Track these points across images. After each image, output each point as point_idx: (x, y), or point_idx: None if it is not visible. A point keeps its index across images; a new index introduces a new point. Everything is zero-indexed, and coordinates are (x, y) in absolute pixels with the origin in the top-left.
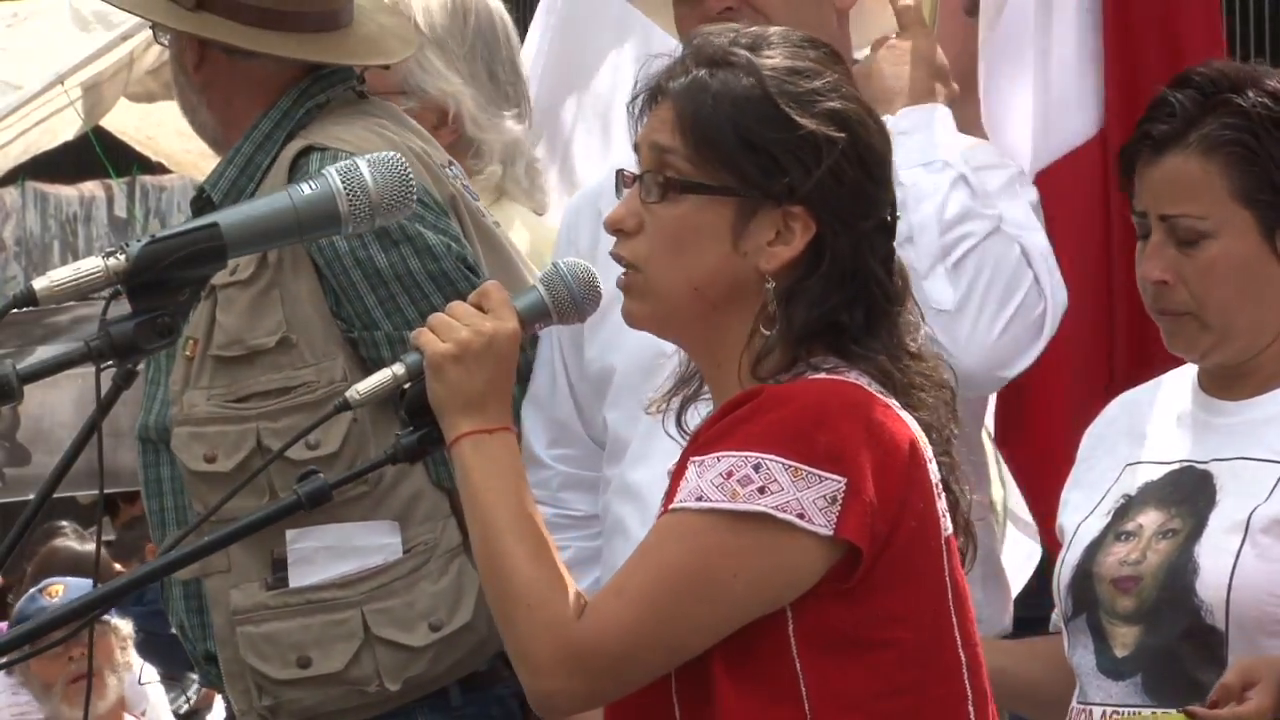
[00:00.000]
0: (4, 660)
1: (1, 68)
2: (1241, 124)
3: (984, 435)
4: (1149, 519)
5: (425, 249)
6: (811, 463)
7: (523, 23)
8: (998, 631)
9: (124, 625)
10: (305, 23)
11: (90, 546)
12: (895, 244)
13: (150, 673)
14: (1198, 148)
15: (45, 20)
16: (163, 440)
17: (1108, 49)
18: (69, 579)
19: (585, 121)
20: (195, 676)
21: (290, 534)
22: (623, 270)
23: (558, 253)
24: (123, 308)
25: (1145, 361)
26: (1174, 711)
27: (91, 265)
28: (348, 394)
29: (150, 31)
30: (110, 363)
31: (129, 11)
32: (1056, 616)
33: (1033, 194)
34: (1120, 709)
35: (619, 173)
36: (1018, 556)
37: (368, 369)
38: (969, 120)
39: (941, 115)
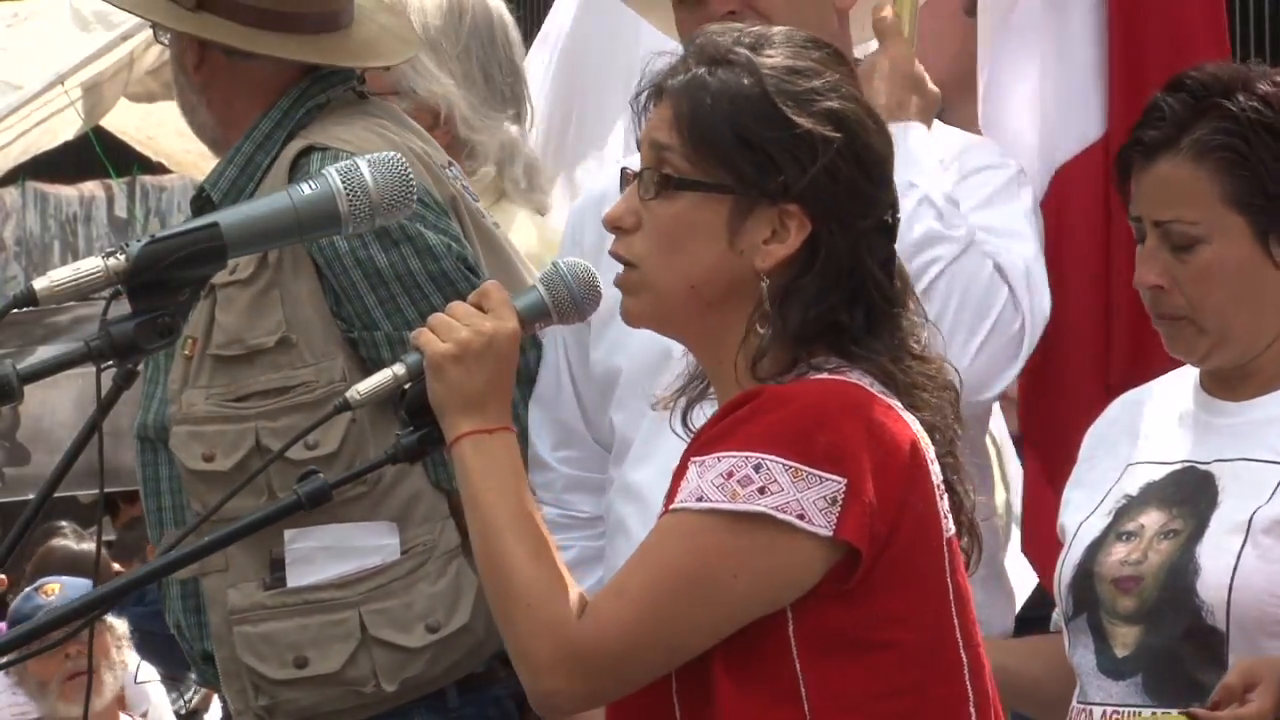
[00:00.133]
0: (3, 660)
1: (1, 68)
2: (1232, 129)
3: (987, 439)
4: (1150, 519)
5: (425, 249)
6: (812, 463)
7: (525, 22)
8: (998, 635)
9: (119, 624)
10: (305, 24)
11: (88, 546)
12: None
13: (148, 671)
14: (1189, 153)
15: (45, 20)
16: (161, 439)
17: (1113, 52)
18: (65, 578)
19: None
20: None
21: (288, 534)
22: (621, 268)
23: (563, 254)
24: (123, 308)
25: (1145, 363)
26: (1175, 712)
27: (91, 265)
28: (348, 394)
29: (150, 32)
30: (110, 363)
31: (129, 12)
32: (1057, 616)
33: (1029, 196)
34: (1120, 709)
35: (623, 171)
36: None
37: (367, 369)
38: (968, 120)
39: (915, 133)
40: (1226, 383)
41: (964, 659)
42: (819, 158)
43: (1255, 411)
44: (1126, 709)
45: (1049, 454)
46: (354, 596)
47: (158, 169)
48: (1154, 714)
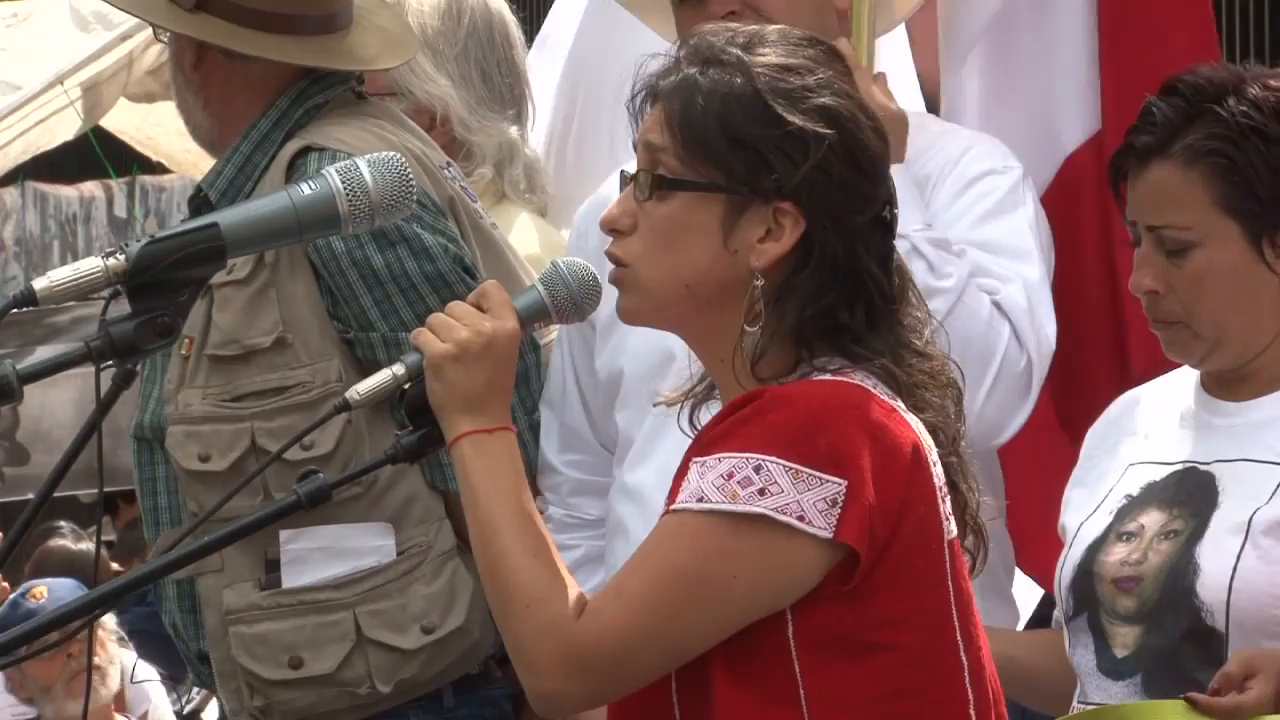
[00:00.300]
0: (3, 662)
1: (1, 68)
2: (1223, 134)
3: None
4: (1151, 519)
5: (422, 250)
6: (812, 465)
7: (527, 23)
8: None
9: (108, 620)
10: (303, 25)
11: (86, 546)
12: None
13: (146, 670)
14: (1180, 158)
15: (45, 20)
16: (157, 439)
17: (1103, 51)
18: (53, 581)
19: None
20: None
21: (284, 535)
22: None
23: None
24: (123, 308)
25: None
26: (1173, 700)
27: (91, 265)
28: (348, 394)
29: (150, 32)
30: (110, 363)
31: (128, 12)
32: (1058, 615)
33: (1033, 203)
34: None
35: (621, 173)
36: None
37: (364, 370)
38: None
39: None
40: (1226, 384)
41: (964, 661)
42: (811, 155)
43: (1256, 412)
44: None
45: (1062, 448)
46: (349, 598)
47: (157, 169)
48: (1155, 703)
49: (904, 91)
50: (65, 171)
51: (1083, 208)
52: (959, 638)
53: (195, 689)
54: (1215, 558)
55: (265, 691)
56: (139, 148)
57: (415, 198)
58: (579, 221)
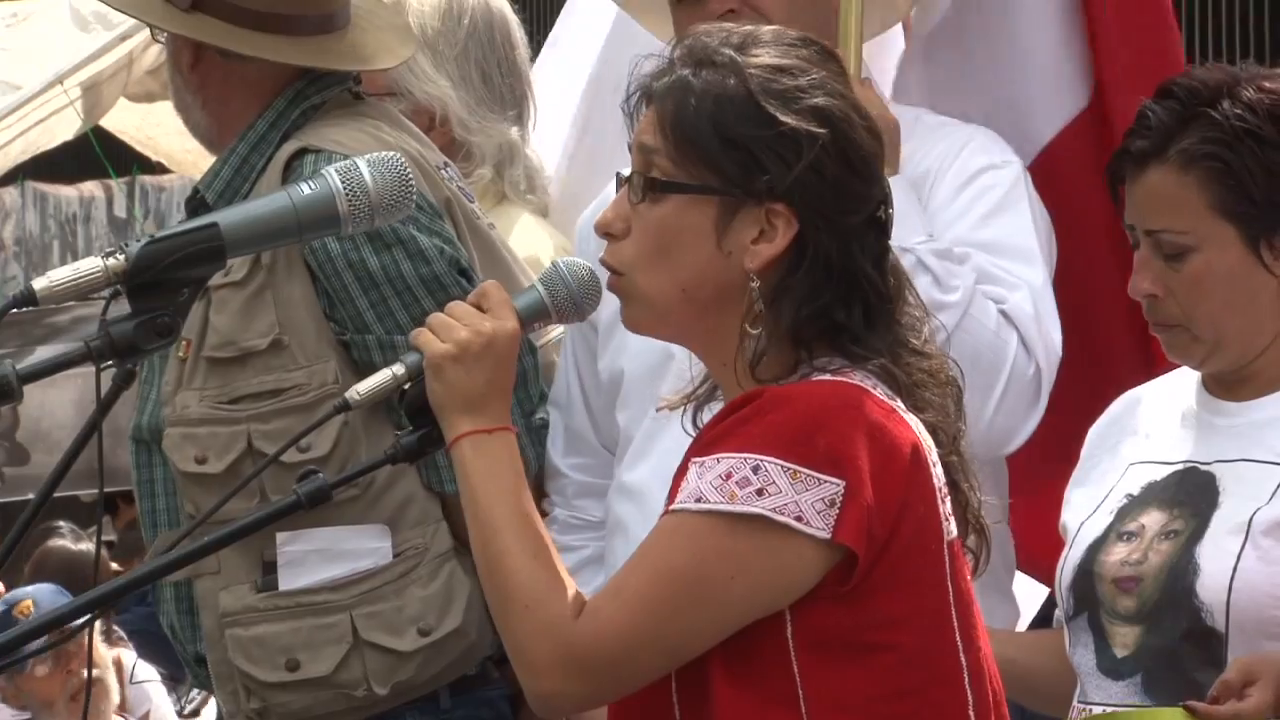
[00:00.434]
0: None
1: (1, 68)
2: (1217, 137)
3: None
4: (1151, 519)
5: (418, 252)
6: (810, 465)
7: (530, 23)
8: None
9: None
10: (300, 25)
11: (86, 546)
12: None
13: (146, 671)
14: (1176, 162)
15: (45, 20)
16: (155, 441)
17: (1090, 18)
18: (33, 589)
19: None
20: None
21: (280, 537)
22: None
23: None
24: (123, 308)
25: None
26: (1171, 708)
27: (91, 265)
28: (348, 394)
29: (149, 32)
30: (110, 363)
31: (125, 13)
32: (1059, 614)
33: (1034, 197)
34: (1119, 709)
35: (618, 176)
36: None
37: (360, 372)
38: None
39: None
40: (1227, 384)
41: (964, 662)
42: (804, 155)
43: (1257, 412)
44: (1125, 709)
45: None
46: (346, 600)
47: (157, 169)
48: (1154, 710)
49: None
50: (65, 171)
51: (1078, 184)
52: (958, 638)
53: (195, 690)
54: (1215, 558)
55: (262, 694)
56: (139, 147)
57: (415, 197)
58: (581, 227)
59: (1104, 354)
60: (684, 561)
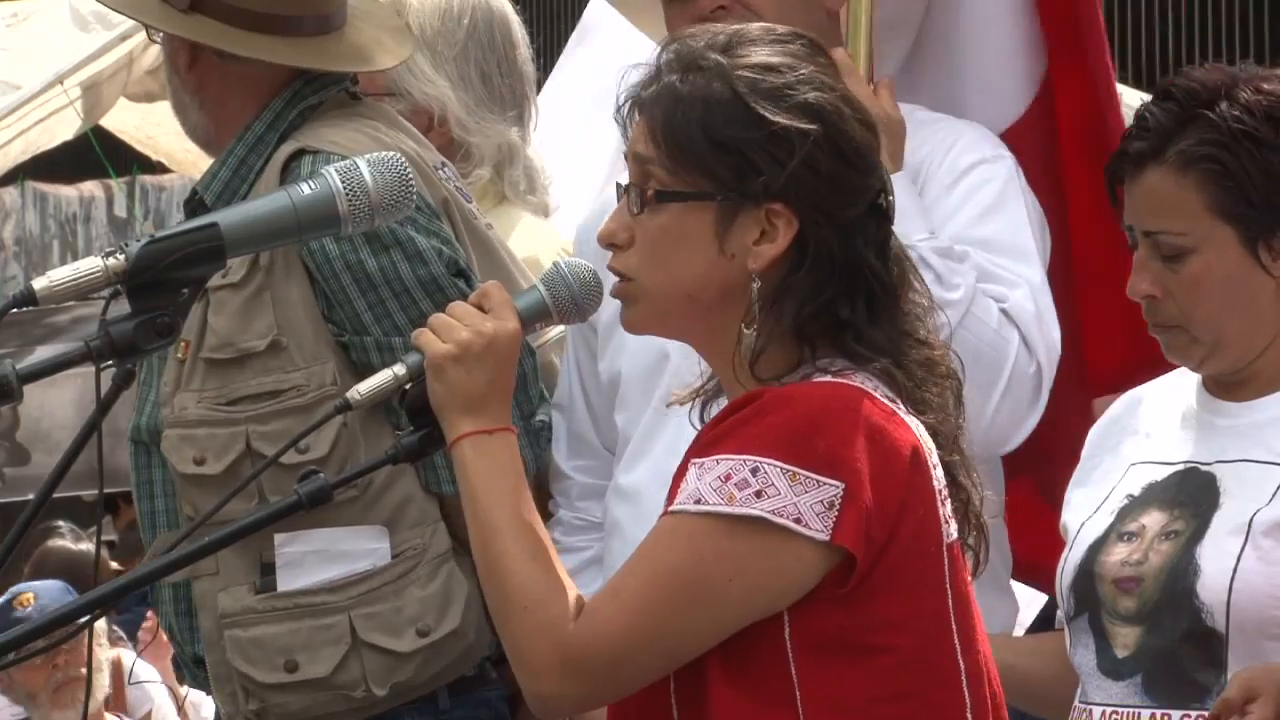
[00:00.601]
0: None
1: (1, 68)
2: (1215, 139)
3: None
4: (1152, 519)
5: (416, 254)
6: (810, 467)
7: (531, 23)
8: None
9: (99, 624)
10: (297, 26)
11: (85, 546)
12: None
13: (145, 671)
14: (1174, 164)
15: (45, 20)
16: (154, 442)
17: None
18: (40, 584)
19: None
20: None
21: (278, 538)
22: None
23: None
24: (123, 308)
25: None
26: None
27: (91, 265)
28: (349, 395)
29: (146, 32)
30: (110, 363)
31: (122, 13)
32: (1059, 615)
33: (1026, 191)
34: (1120, 709)
35: (618, 186)
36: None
37: (359, 373)
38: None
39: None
40: (1227, 385)
41: (962, 665)
42: (796, 153)
43: (1257, 412)
44: (1126, 709)
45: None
46: (344, 601)
47: (157, 169)
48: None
49: None
50: (65, 171)
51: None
52: (957, 641)
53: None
54: (1215, 558)
55: (260, 695)
56: (139, 147)
57: (415, 197)
58: (580, 231)
59: None
60: (682, 563)
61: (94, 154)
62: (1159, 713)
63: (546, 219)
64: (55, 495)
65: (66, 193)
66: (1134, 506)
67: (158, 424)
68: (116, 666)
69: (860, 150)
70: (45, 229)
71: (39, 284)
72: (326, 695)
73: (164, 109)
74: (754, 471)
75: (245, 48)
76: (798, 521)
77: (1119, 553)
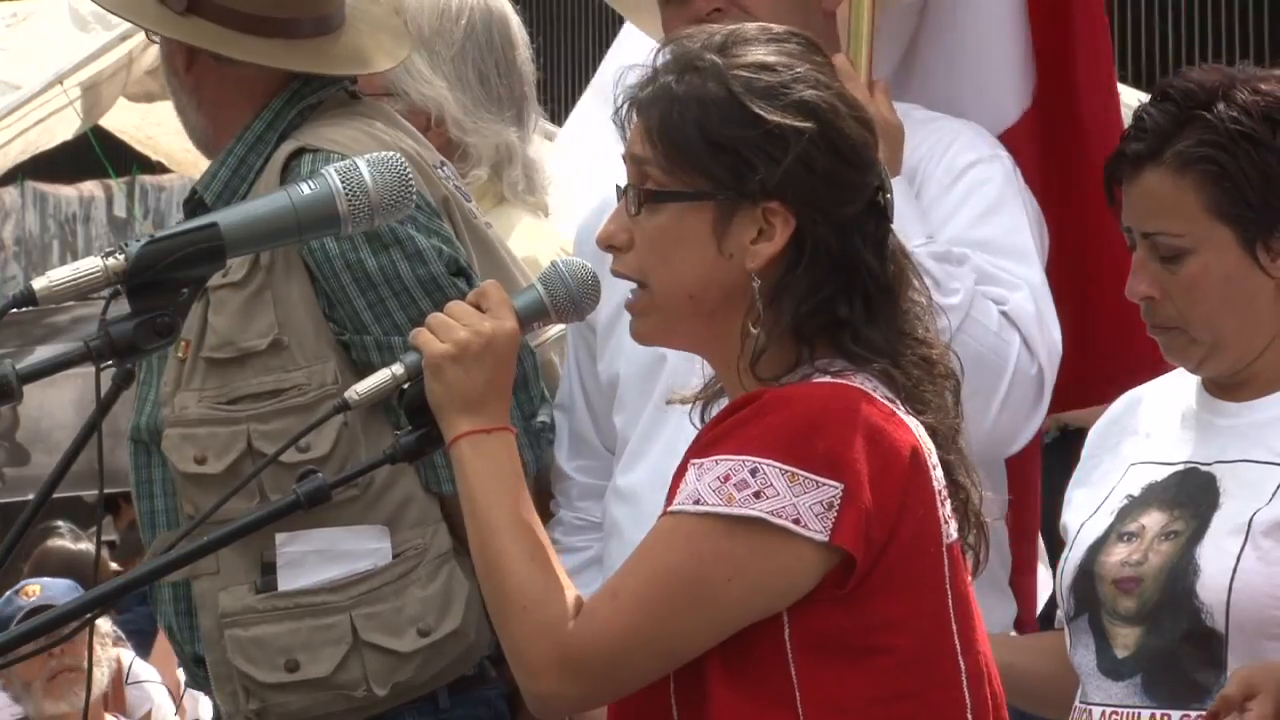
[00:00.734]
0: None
1: (1, 68)
2: (1213, 140)
3: None
4: (1152, 520)
5: (415, 253)
6: (809, 468)
7: (531, 23)
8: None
9: (102, 623)
10: (295, 28)
11: (85, 546)
12: None
13: (144, 670)
14: (1171, 165)
15: (45, 20)
16: (154, 441)
17: (1034, 23)
18: (46, 579)
19: None
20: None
21: (279, 537)
22: (630, 288)
23: None
24: (122, 308)
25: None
26: None
27: (90, 265)
28: (347, 394)
29: (145, 34)
30: (110, 363)
31: (119, 16)
32: (1060, 615)
33: (1024, 190)
34: (1120, 709)
35: (617, 188)
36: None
37: (359, 372)
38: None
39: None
40: (1227, 385)
41: (962, 665)
42: (791, 150)
43: (1257, 412)
44: (1125, 709)
45: None
46: (345, 601)
47: (157, 169)
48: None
49: None
50: (64, 171)
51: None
52: (957, 641)
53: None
54: (1215, 559)
55: (261, 695)
56: (138, 147)
57: (415, 197)
58: (579, 231)
59: None
60: (681, 563)
61: (94, 154)
62: (1159, 713)
63: (546, 219)
64: (55, 495)
65: (66, 193)
66: (1134, 507)
67: (157, 423)
68: (117, 666)
69: (856, 148)
70: (45, 229)
71: (39, 284)
72: (327, 695)
73: (164, 109)
74: (753, 472)
75: (241, 51)
76: (797, 522)
77: (1119, 553)
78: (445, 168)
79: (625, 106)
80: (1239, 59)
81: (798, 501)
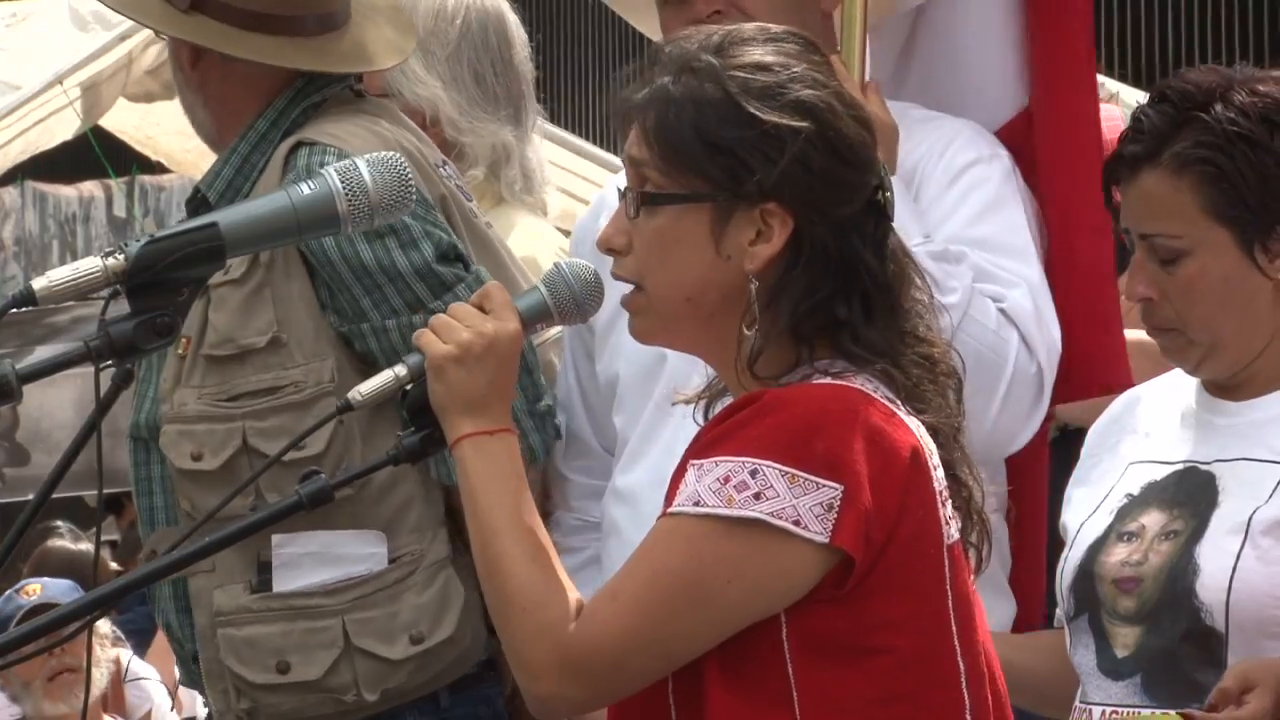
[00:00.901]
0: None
1: (1, 68)
2: (1210, 141)
3: None
4: (1151, 519)
5: (410, 240)
6: (808, 469)
7: (530, 23)
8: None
9: (101, 624)
10: (300, 26)
11: (85, 546)
12: None
13: (143, 669)
14: (1169, 167)
15: (44, 20)
16: (153, 438)
17: (1031, 25)
18: (46, 579)
19: None
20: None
21: (276, 538)
22: (629, 289)
23: None
24: (122, 307)
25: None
26: (1171, 713)
27: (90, 265)
28: (350, 395)
29: (149, 32)
30: (110, 363)
31: (123, 14)
32: (1060, 614)
33: (1023, 190)
34: (1119, 709)
35: (619, 190)
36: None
37: (359, 369)
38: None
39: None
40: (1226, 385)
41: (961, 666)
42: (788, 151)
43: (1256, 411)
44: (1125, 709)
45: None
46: (339, 605)
47: (156, 169)
48: (1151, 714)
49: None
50: (64, 171)
51: None
52: (956, 642)
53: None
54: (1214, 558)
55: (252, 695)
56: (138, 147)
57: (415, 196)
58: (577, 230)
59: None
60: (681, 565)
61: (93, 154)
62: (1159, 712)
63: (545, 218)
64: (56, 495)
65: (66, 193)
66: (1133, 506)
67: (157, 420)
68: (117, 667)
69: (854, 147)
70: (45, 229)
71: (38, 284)
72: (317, 698)
73: (164, 109)
74: (753, 473)
75: (245, 49)
76: (796, 523)
77: (1119, 553)
78: (447, 166)
79: (624, 109)
80: (1238, 59)
81: (798, 503)
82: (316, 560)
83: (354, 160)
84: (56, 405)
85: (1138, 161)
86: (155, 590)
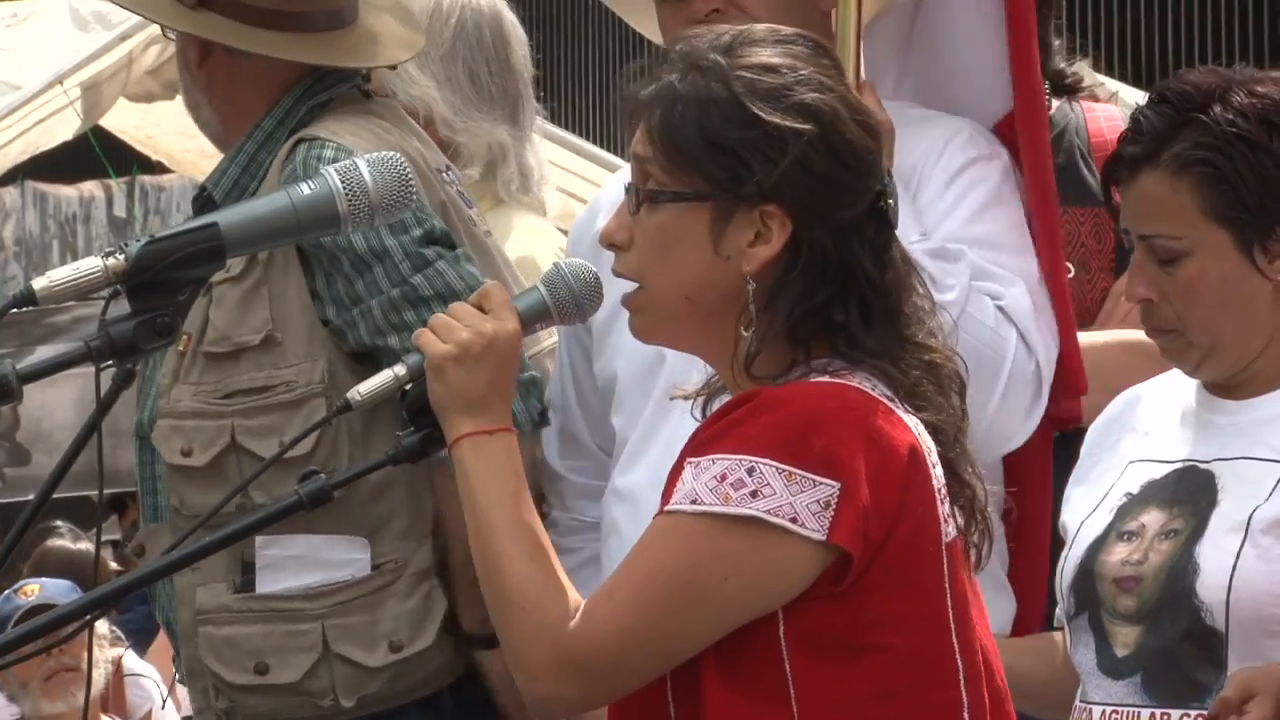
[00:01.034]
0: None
1: (1, 68)
2: (1209, 143)
3: None
4: (1151, 518)
5: (400, 226)
6: (805, 467)
7: (529, 23)
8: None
9: (100, 624)
10: (308, 22)
11: (85, 546)
12: None
13: (141, 668)
14: (1168, 168)
15: (45, 20)
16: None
17: (1011, 28)
18: (45, 579)
19: None
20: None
21: (259, 540)
22: (628, 287)
23: None
24: (122, 307)
25: None
26: None
27: (90, 265)
28: (349, 395)
29: (149, 32)
30: (110, 363)
31: (131, 10)
32: (1059, 614)
33: (1019, 189)
34: (1119, 708)
35: (624, 187)
36: None
37: (351, 369)
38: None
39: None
40: (1226, 385)
41: (959, 665)
42: (789, 153)
43: (1256, 410)
44: (1125, 708)
45: None
46: (319, 609)
47: (157, 169)
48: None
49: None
50: (65, 171)
51: None
52: (955, 640)
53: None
54: (1214, 557)
55: (230, 694)
56: (139, 147)
57: (415, 197)
58: (574, 230)
59: None
60: (678, 563)
61: (94, 154)
62: (1159, 712)
63: (543, 218)
64: (58, 495)
65: (66, 193)
66: (1133, 505)
67: (156, 417)
68: (116, 667)
69: (857, 152)
70: (45, 229)
71: (39, 284)
72: (294, 700)
73: (164, 109)
74: (750, 471)
75: (253, 44)
76: (794, 521)
77: (1119, 552)
78: (449, 172)
79: (631, 106)
80: (1238, 60)
81: (795, 500)
82: (300, 563)
83: (354, 160)
84: (57, 405)
85: (1137, 162)
86: (155, 589)
